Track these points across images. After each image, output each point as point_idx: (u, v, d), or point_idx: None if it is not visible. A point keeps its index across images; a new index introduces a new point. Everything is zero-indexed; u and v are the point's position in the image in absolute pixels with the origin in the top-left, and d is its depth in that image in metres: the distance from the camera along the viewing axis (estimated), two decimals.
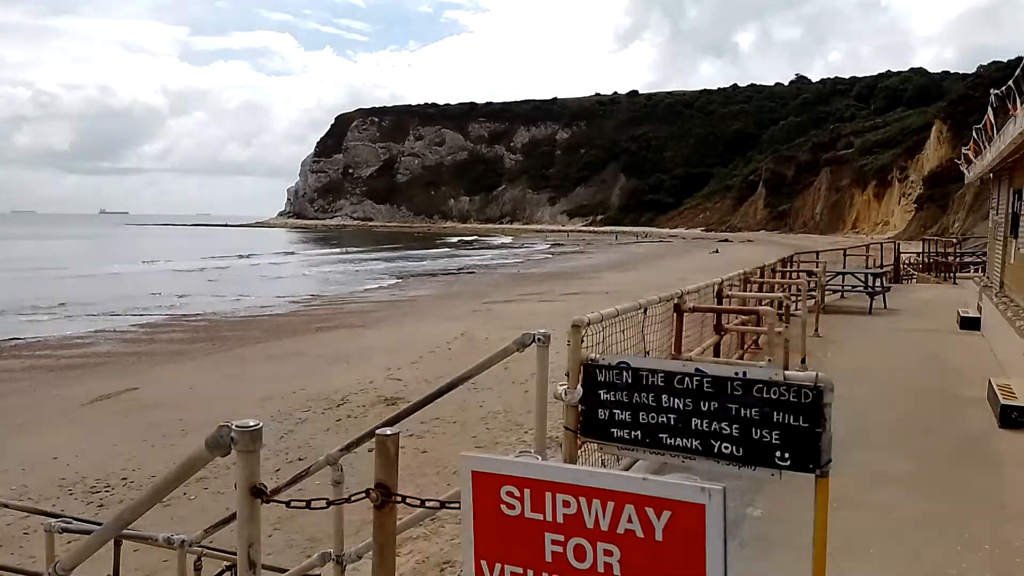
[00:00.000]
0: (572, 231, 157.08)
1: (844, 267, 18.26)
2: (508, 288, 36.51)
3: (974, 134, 13.97)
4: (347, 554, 3.70)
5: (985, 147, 12.46)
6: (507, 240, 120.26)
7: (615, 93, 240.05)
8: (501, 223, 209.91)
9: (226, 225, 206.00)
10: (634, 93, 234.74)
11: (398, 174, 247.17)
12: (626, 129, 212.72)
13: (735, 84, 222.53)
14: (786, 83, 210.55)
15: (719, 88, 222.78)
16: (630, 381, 3.59)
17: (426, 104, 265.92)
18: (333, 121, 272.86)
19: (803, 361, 8.97)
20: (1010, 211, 11.54)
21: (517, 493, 1.48)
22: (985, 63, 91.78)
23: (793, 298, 11.64)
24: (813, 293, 12.26)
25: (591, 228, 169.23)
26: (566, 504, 1.44)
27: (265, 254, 73.38)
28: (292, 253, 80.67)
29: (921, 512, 4.64)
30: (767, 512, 4.59)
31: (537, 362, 3.54)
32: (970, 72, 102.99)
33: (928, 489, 5.01)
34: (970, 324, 12.48)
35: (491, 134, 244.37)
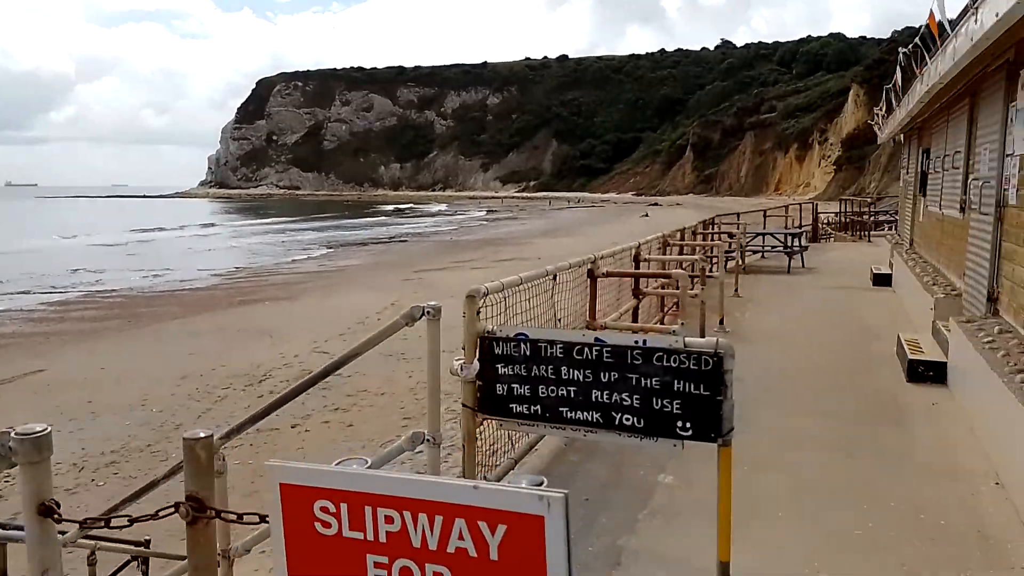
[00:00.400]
0: (506, 197, 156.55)
1: (764, 228, 18.61)
2: (441, 256, 36.08)
3: (884, 95, 14.27)
4: (233, 547, 3.37)
5: (895, 108, 12.72)
6: (442, 207, 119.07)
7: (545, 58, 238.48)
8: (434, 190, 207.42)
9: (144, 196, 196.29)
10: (564, 58, 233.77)
11: (325, 141, 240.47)
12: (557, 94, 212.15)
13: (663, 49, 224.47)
14: (712, 48, 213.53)
15: (647, 53, 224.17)
16: (528, 354, 3.36)
17: (352, 68, 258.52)
18: (254, 86, 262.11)
19: (721, 322, 8.99)
20: (919, 170, 11.85)
21: (333, 508, 1.21)
22: (899, 28, 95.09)
23: (713, 260, 11.70)
24: (732, 254, 12.36)
25: (524, 195, 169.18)
26: (389, 520, 1.18)
27: (188, 226, 70.23)
28: (214, 225, 77.49)
29: (830, 471, 4.62)
30: (678, 478, 4.49)
31: (428, 338, 3.26)
32: (885, 37, 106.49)
33: (837, 448, 5.02)
34: (882, 281, 12.86)
35: (421, 99, 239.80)
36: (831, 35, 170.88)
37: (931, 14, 6.28)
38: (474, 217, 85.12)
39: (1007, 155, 5.88)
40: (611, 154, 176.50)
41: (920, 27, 8.98)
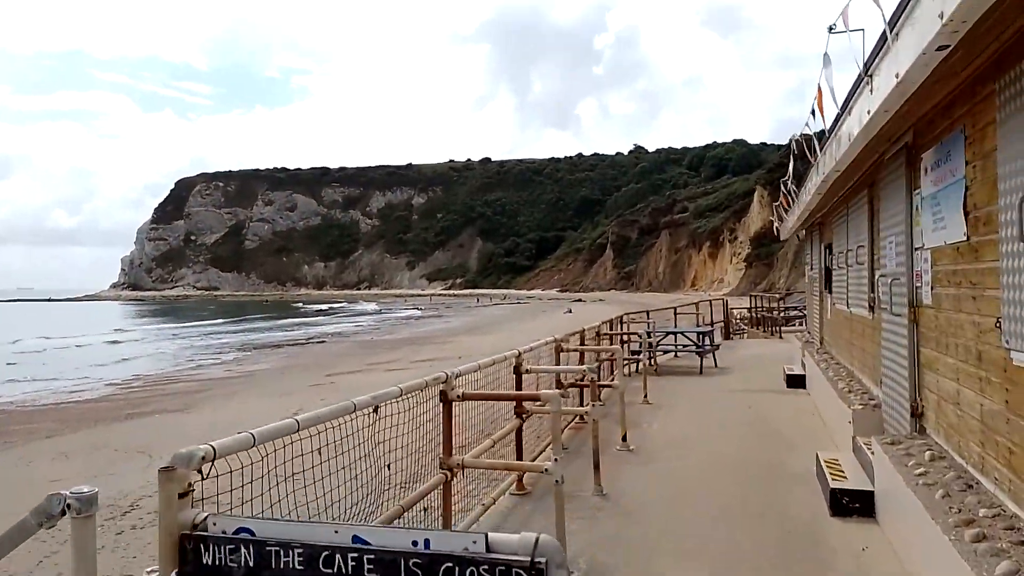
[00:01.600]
0: (435, 295, 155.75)
1: (675, 326, 18.06)
2: (358, 357, 34.35)
3: (782, 189, 14.17)
4: None
5: (792, 203, 12.51)
6: (366, 307, 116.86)
7: (468, 159, 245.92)
8: (359, 288, 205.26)
9: (49, 300, 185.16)
10: (487, 160, 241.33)
11: (246, 240, 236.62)
12: (480, 194, 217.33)
13: (580, 153, 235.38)
14: (626, 152, 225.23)
15: (566, 156, 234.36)
16: (251, 562, 2.13)
17: (276, 168, 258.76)
18: (173, 186, 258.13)
19: (624, 439, 7.90)
20: (823, 266, 11.45)
21: None
22: (797, 135, 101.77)
23: (614, 364, 10.78)
24: (638, 356, 11.46)
25: (451, 292, 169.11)
26: None
27: (89, 333, 65.52)
28: (120, 330, 72.78)
29: None
30: None
31: (72, 551, 1.97)
32: (784, 143, 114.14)
33: None
34: (796, 382, 12.19)
35: (345, 199, 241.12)
36: (734, 141, 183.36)
37: (819, 90, 5.69)
38: (396, 316, 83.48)
39: (915, 248, 5.19)
40: (535, 252, 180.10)
41: (814, 132, 8.74)
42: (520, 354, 6.57)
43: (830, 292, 10.82)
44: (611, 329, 12.83)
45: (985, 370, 3.69)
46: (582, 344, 9.45)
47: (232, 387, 25.89)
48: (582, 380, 7.98)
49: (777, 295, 27.65)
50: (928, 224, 4.83)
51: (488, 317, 69.28)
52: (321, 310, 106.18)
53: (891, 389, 5.87)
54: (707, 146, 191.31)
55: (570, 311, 66.57)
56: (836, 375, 8.78)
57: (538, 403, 5.96)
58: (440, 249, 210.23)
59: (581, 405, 9.50)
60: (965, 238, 3.98)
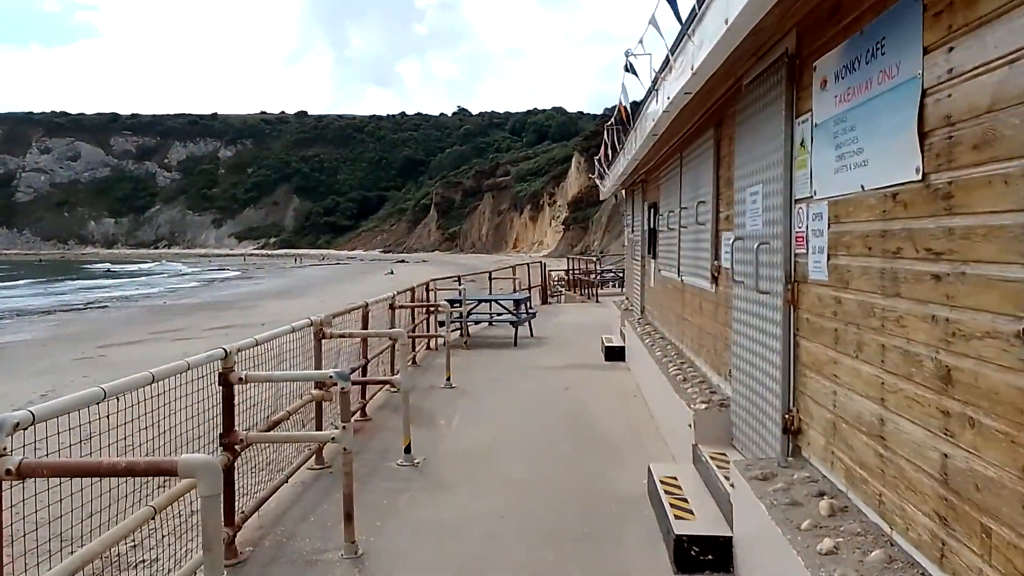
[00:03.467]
0: (249, 255, 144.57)
1: (491, 292, 16.50)
2: (142, 325, 29.71)
3: (604, 139, 12.90)
4: None
5: (615, 155, 11.22)
6: (165, 267, 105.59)
7: (283, 112, 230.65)
8: (157, 247, 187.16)
9: None
10: (303, 114, 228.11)
11: (18, 192, 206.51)
12: (297, 150, 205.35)
13: (403, 112, 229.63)
14: (450, 114, 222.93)
15: (389, 115, 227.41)
16: None
17: (54, 112, 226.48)
18: None
19: (407, 449, 5.96)
20: (647, 228, 10.23)
21: None
22: (611, 106, 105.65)
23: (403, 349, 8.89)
24: (440, 334, 9.62)
25: (264, 252, 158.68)
26: None
27: None
28: None
29: None
30: None
31: None
32: (599, 113, 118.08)
33: None
34: (615, 355, 11.01)
35: (140, 149, 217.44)
36: (554, 108, 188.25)
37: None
38: (200, 276, 75.84)
39: (797, 201, 3.68)
40: (356, 211, 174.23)
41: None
42: (317, 323, 4.41)
43: (654, 257, 9.60)
44: (411, 299, 10.85)
45: (965, 401, 2.13)
46: (364, 323, 7.36)
47: None
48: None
49: (593, 258, 27.26)
50: (824, 163, 3.28)
51: (303, 279, 64.93)
52: (110, 271, 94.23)
53: (747, 388, 4.43)
54: (528, 112, 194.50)
55: (392, 272, 64.17)
56: (664, 354, 7.48)
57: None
58: (251, 206, 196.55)
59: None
60: (918, 176, 2.40)
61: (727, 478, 4.02)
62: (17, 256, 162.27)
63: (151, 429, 3.50)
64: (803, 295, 3.62)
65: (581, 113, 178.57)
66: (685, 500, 4.29)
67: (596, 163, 13.74)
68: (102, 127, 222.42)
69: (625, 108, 7.54)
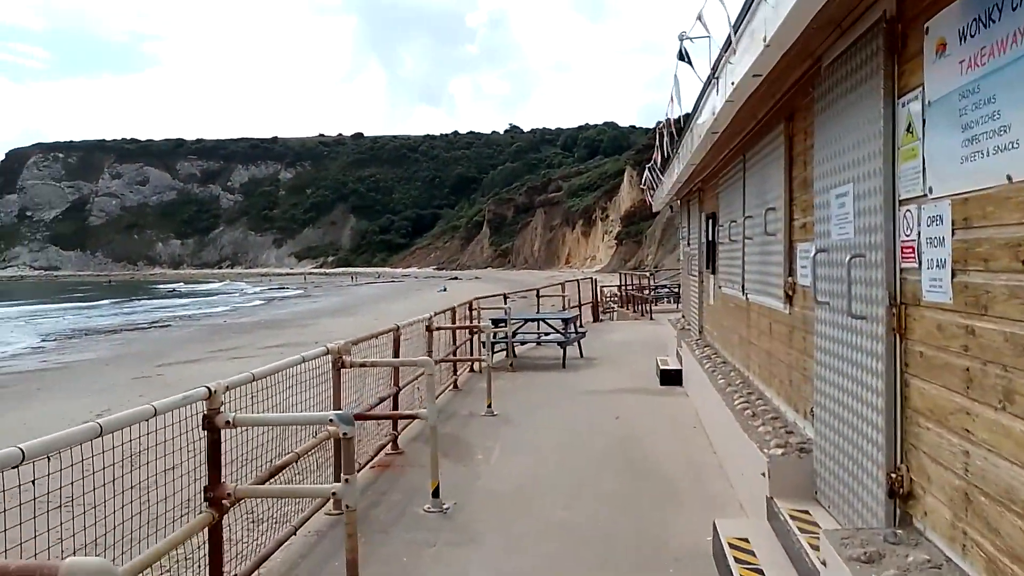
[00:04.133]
0: (307, 274, 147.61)
1: (538, 310, 15.79)
2: (201, 344, 30.21)
3: (656, 141, 12.11)
4: None
5: (668, 163, 10.45)
6: (224, 285, 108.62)
7: (340, 134, 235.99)
8: (220, 268, 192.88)
9: None
10: (359, 135, 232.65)
11: (91, 216, 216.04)
12: (353, 170, 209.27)
13: (456, 131, 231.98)
14: (501, 132, 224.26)
15: (441, 134, 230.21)
16: None
17: (125, 140, 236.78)
18: (3, 158, 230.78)
19: (435, 493, 5.29)
20: (705, 240, 9.41)
21: None
22: (663, 120, 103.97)
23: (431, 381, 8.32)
24: (481, 357, 8.97)
25: (322, 271, 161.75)
26: None
27: None
28: None
29: None
30: None
31: None
32: (650, 127, 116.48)
33: None
34: (671, 379, 10.16)
35: (204, 173, 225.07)
36: (605, 123, 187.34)
37: None
38: (259, 294, 77.60)
39: (903, 202, 2.91)
40: (410, 229, 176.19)
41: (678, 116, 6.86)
42: (335, 351, 3.85)
43: (713, 273, 8.77)
44: (452, 319, 10.24)
45: None
46: (395, 349, 6.76)
47: (40, 381, 21.41)
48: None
49: (647, 272, 26.25)
50: (945, 151, 2.51)
51: (359, 297, 65.74)
52: (175, 291, 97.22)
53: (836, 433, 3.63)
54: (580, 127, 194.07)
55: (444, 289, 64.31)
56: (727, 381, 6.66)
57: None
58: (310, 226, 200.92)
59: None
60: None
61: (813, 547, 3.23)
62: (90, 277, 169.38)
63: (115, 484, 2.94)
64: (914, 322, 2.83)
65: (633, 127, 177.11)
66: (760, 572, 3.50)
67: (648, 171, 12.97)
68: (169, 152, 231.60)
69: (676, 112, 6.80)
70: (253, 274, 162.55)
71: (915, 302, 2.82)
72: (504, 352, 12.45)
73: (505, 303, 13.55)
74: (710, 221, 9.03)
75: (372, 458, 6.32)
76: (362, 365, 5.29)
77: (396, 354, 6.85)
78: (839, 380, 3.58)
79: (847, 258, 3.26)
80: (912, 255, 2.82)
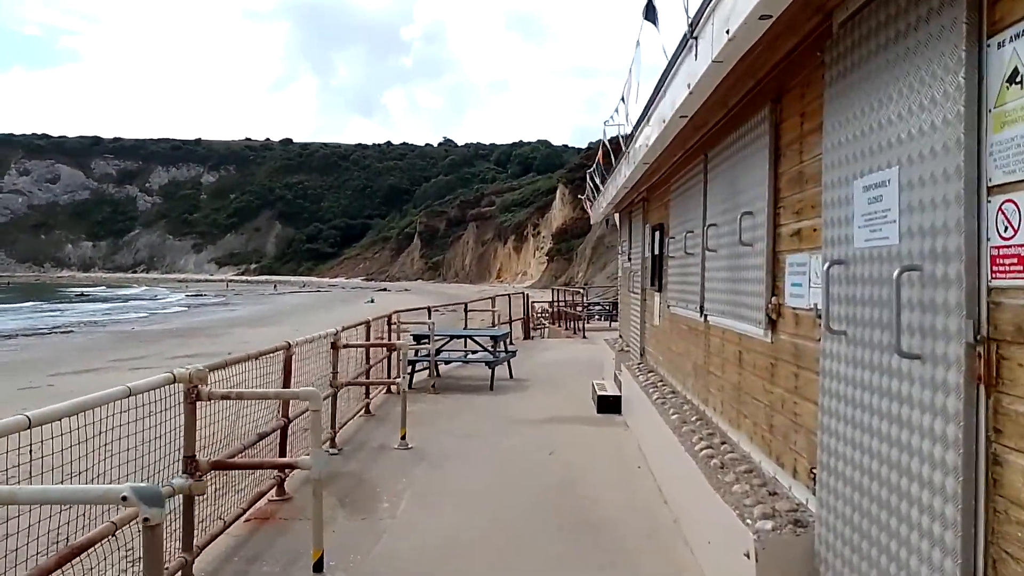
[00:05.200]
0: (230, 280, 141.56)
1: (465, 326, 14.65)
2: (104, 352, 27.90)
3: (598, 160, 11.27)
4: None
5: (610, 170, 9.58)
6: (141, 291, 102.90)
7: (268, 139, 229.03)
8: (135, 272, 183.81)
9: None
10: (288, 141, 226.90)
11: None
12: (280, 176, 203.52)
13: (389, 141, 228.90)
14: (435, 144, 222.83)
15: (374, 144, 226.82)
16: None
17: (35, 135, 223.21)
18: None
19: (318, 566, 4.07)
20: (650, 254, 8.52)
21: None
22: (594, 140, 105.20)
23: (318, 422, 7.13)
24: (396, 380, 7.75)
25: (244, 278, 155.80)
26: None
27: None
28: None
29: None
30: None
31: None
32: (583, 147, 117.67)
33: None
34: (609, 406, 9.20)
35: (121, 173, 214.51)
36: (539, 141, 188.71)
37: None
38: (176, 301, 73.75)
39: (995, 188, 1.97)
40: (339, 239, 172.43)
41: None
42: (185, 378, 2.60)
43: (660, 290, 7.87)
44: (367, 335, 8.99)
45: None
46: (286, 374, 5.51)
47: None
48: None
49: (580, 289, 25.47)
50: None
51: (281, 306, 63.21)
52: (84, 295, 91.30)
53: (860, 514, 2.65)
54: (514, 144, 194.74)
55: (372, 301, 62.43)
56: (679, 416, 5.70)
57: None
58: (233, 232, 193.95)
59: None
60: None
61: None
62: None
63: None
64: (1012, 367, 1.88)
65: (566, 146, 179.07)
66: None
67: (588, 178, 12.11)
68: (83, 150, 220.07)
69: (634, 93, 5.82)
70: (170, 279, 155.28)
71: (1016, 338, 1.87)
72: (427, 371, 11.27)
73: (429, 317, 12.35)
74: (656, 233, 8.15)
75: (248, 508, 5.05)
76: (224, 397, 4.05)
77: (287, 378, 5.60)
78: (866, 441, 2.61)
79: (895, 272, 2.29)
80: (1010, 267, 1.87)
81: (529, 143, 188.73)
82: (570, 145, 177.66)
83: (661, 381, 7.52)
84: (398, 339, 10.71)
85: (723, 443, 4.73)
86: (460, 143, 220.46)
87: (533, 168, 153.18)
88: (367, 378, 8.93)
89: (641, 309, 9.25)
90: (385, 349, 9.75)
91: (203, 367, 3.95)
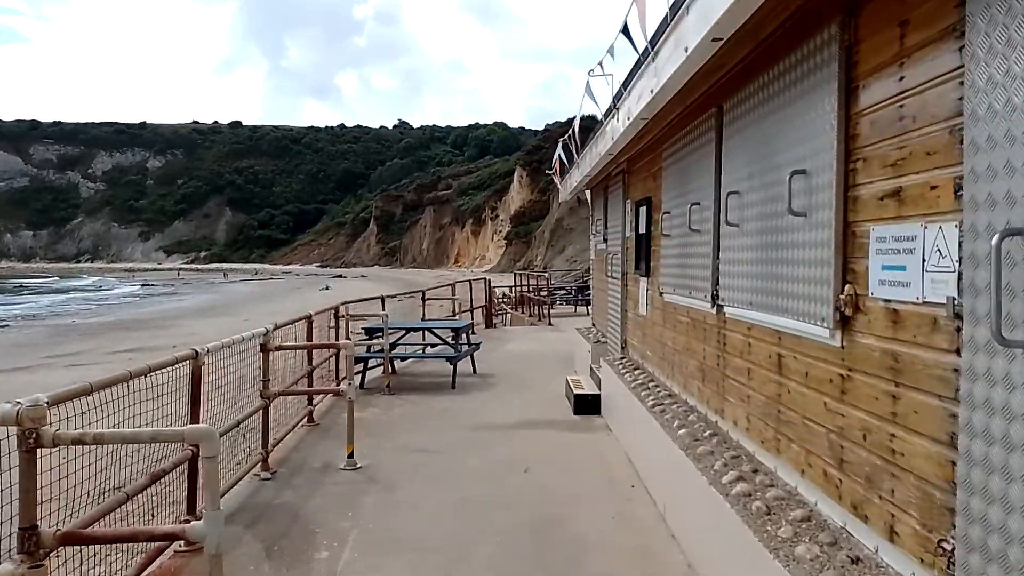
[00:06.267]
0: (179, 269, 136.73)
1: (423, 316, 13.43)
2: (39, 348, 26.08)
3: (571, 132, 10.14)
4: None
5: (584, 145, 8.48)
6: (91, 282, 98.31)
7: (216, 122, 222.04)
8: (79, 262, 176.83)
9: None
10: (237, 124, 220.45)
11: None
12: (229, 161, 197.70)
13: (343, 124, 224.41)
14: (391, 127, 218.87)
15: (327, 127, 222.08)
16: None
17: None
18: None
19: None
20: (634, 234, 7.45)
21: None
22: (551, 123, 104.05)
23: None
24: (340, 389, 6.48)
25: (194, 266, 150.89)
26: None
27: None
28: None
29: None
30: None
31: None
32: (540, 129, 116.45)
33: None
34: (587, 406, 8.16)
35: (62, 158, 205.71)
36: (496, 123, 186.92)
37: None
38: (123, 292, 70.53)
39: None
40: (292, 225, 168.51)
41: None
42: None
43: (647, 275, 6.81)
44: (308, 334, 7.73)
45: None
46: (195, 386, 4.28)
47: None
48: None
49: (544, 273, 24.26)
50: None
51: (231, 295, 61.16)
52: (21, 286, 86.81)
53: None
54: (470, 126, 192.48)
55: (327, 288, 60.70)
56: (688, 430, 4.67)
57: None
58: (181, 219, 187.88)
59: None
60: None
61: None
62: None
63: None
64: None
65: (523, 128, 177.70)
66: None
67: (560, 148, 10.96)
68: (21, 135, 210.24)
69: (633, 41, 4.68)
70: (116, 269, 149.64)
71: None
72: (382, 368, 10.05)
73: (383, 308, 11.10)
74: (640, 209, 7.08)
75: (148, 563, 3.83)
76: (77, 441, 2.80)
77: (196, 398, 4.35)
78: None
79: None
80: None
81: (485, 125, 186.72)
82: (527, 127, 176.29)
83: (652, 381, 6.47)
84: (347, 335, 9.44)
85: (755, 471, 3.68)
86: (416, 126, 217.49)
87: (490, 151, 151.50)
88: (309, 383, 7.68)
89: (622, 296, 8.19)
90: (334, 346, 8.49)
91: (44, 399, 2.72)
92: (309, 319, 7.73)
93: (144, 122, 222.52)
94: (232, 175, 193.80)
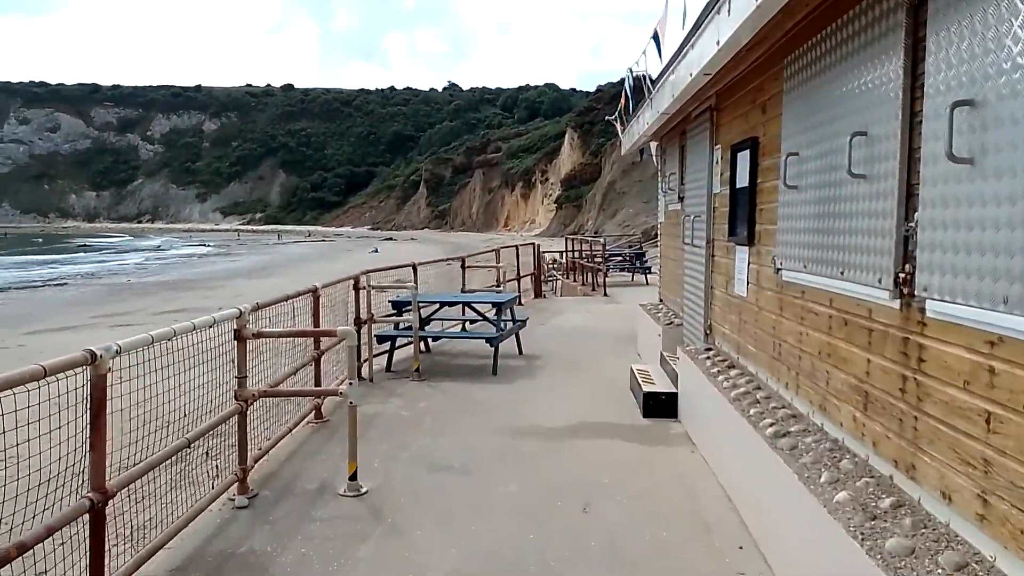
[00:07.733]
0: (236, 230, 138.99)
1: (463, 287, 11.85)
2: (90, 307, 26.19)
3: (629, 77, 8.34)
4: None
5: (658, 80, 6.72)
6: (147, 242, 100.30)
7: (269, 85, 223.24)
8: (140, 222, 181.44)
9: None
10: (289, 87, 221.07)
11: None
12: (282, 123, 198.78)
13: (392, 86, 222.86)
14: (440, 89, 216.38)
15: (377, 89, 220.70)
16: None
17: (33, 83, 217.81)
18: None
19: None
20: (728, 189, 5.70)
21: None
22: (603, 84, 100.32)
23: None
24: (340, 390, 4.93)
25: (250, 227, 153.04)
26: None
27: None
28: None
29: None
30: None
31: None
32: (591, 90, 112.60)
33: None
34: (662, 408, 6.51)
35: (121, 121, 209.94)
36: (547, 85, 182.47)
37: None
38: (179, 253, 71.34)
39: None
40: (344, 187, 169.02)
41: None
42: None
43: (750, 243, 5.08)
44: (315, 311, 6.23)
45: None
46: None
47: None
48: None
49: (600, 239, 22.38)
50: None
51: (282, 256, 61.47)
52: (86, 244, 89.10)
53: None
54: (520, 88, 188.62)
55: (376, 250, 60.26)
56: (851, 494, 3.03)
57: None
58: (236, 181, 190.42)
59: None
60: None
61: None
62: None
63: None
64: None
65: (574, 90, 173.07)
66: None
67: (625, 92, 9.16)
68: (83, 98, 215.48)
69: None
70: (175, 229, 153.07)
71: None
72: (418, 346, 8.57)
73: (415, 277, 9.54)
74: (739, 155, 5.32)
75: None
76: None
77: (98, 422, 2.90)
78: None
79: None
80: None
81: (536, 87, 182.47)
82: (578, 89, 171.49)
83: (758, 388, 4.78)
84: (368, 310, 7.94)
85: (968, 551, 2.02)
86: (465, 88, 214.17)
87: (540, 113, 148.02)
88: (316, 373, 6.21)
89: (706, 269, 6.45)
90: (315, 343, 6.90)
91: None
92: (315, 292, 6.23)
93: (199, 85, 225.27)
94: (285, 137, 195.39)
